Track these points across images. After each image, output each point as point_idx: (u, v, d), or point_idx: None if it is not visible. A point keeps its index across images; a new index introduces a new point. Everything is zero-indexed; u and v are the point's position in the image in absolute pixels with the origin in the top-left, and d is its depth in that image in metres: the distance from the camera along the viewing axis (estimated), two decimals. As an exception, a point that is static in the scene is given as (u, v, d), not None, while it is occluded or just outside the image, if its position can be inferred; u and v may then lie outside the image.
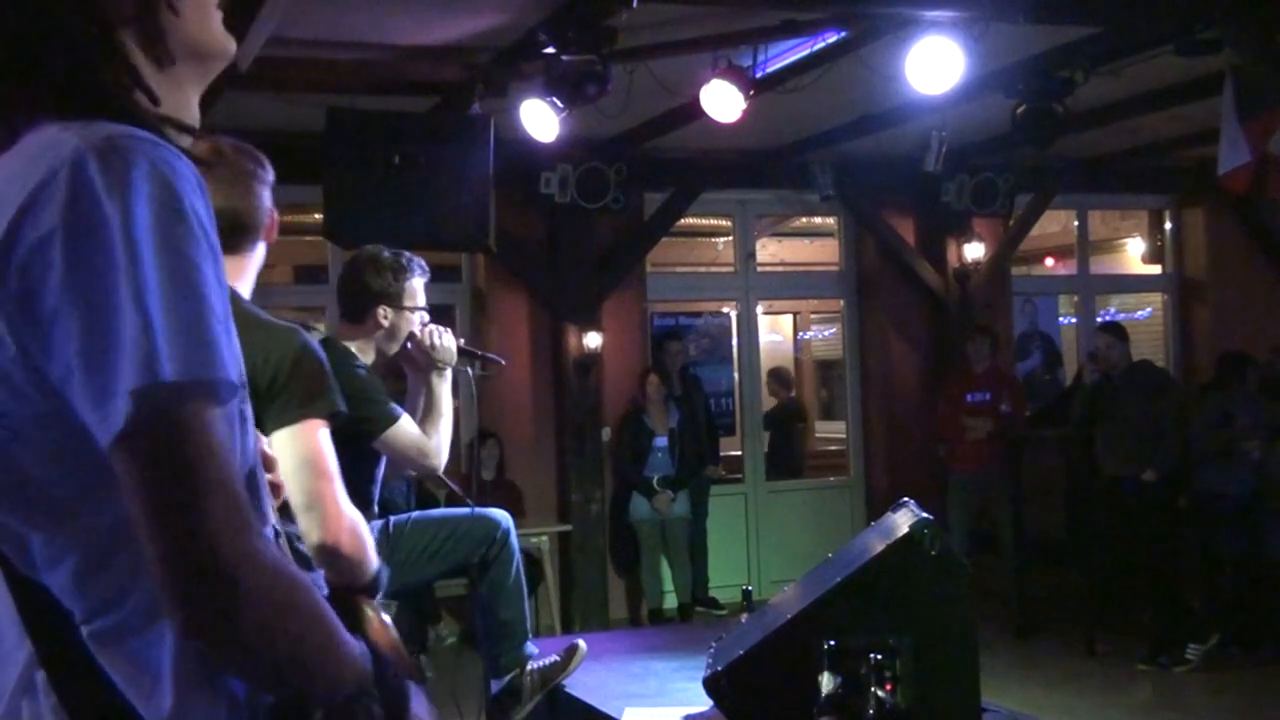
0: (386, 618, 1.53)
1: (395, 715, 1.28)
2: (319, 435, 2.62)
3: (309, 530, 2.57)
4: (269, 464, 1.57)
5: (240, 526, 1.09)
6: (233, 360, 1.13)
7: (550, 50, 5.82)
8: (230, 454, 1.12)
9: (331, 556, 2.55)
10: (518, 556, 3.91)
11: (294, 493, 2.55)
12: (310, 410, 2.58)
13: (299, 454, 2.58)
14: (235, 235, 2.54)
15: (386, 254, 3.74)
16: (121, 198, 1.08)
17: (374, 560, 2.69)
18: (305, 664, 1.16)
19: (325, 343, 3.81)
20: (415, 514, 3.96)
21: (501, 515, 3.84)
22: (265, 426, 2.47)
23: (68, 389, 1.09)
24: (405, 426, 3.55)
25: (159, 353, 1.06)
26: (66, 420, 1.10)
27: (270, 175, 2.55)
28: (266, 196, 2.56)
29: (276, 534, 1.38)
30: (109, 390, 1.06)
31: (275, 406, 2.57)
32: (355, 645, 1.23)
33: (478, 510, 3.85)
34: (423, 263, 3.80)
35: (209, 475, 1.08)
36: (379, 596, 2.71)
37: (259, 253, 2.64)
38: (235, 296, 2.63)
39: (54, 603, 1.15)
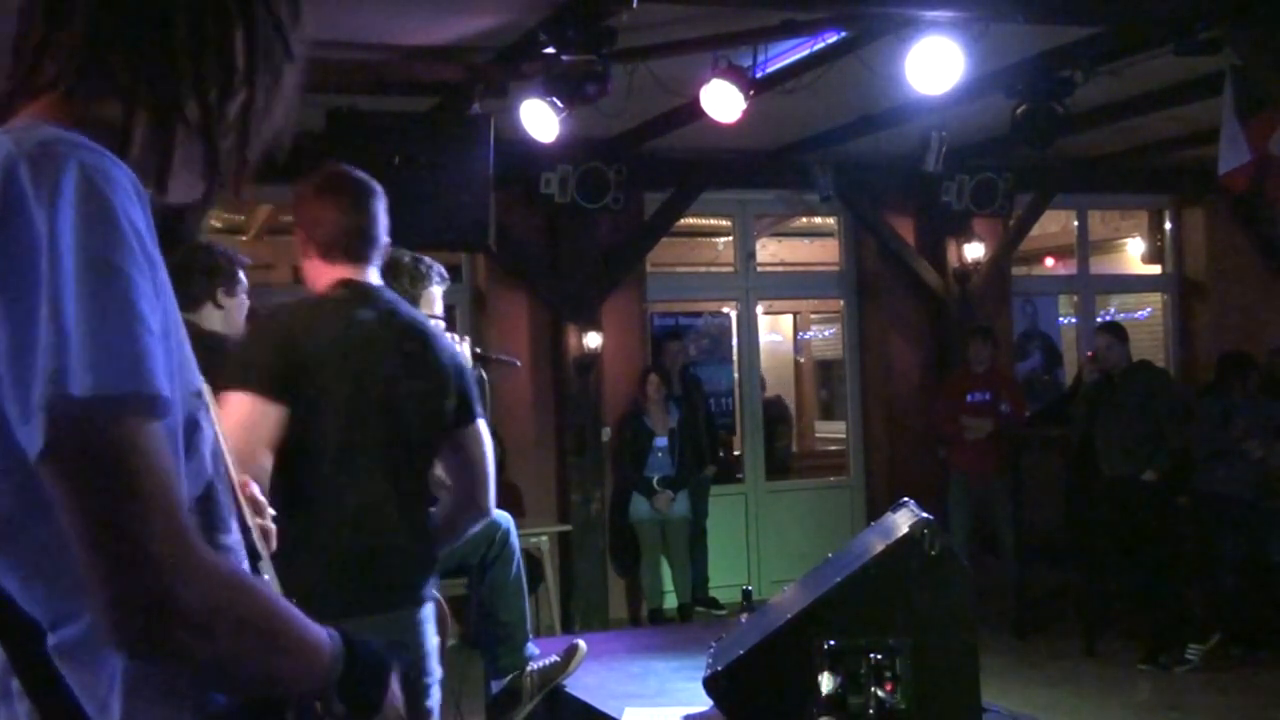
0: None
1: (371, 702, 1.26)
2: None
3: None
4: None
5: (175, 537, 1.06)
6: (166, 372, 1.09)
7: (550, 50, 5.81)
8: (163, 464, 1.08)
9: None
10: (518, 557, 3.89)
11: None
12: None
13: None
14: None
15: (407, 259, 3.60)
16: (50, 205, 1.06)
17: None
18: (257, 669, 1.14)
19: None
20: None
21: (502, 516, 3.82)
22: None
23: (3, 403, 1.07)
24: None
25: (68, 367, 1.03)
26: (5, 435, 1.08)
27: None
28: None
29: (246, 529, 1.37)
30: (29, 405, 1.04)
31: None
32: (321, 640, 1.21)
33: None
34: (442, 270, 3.66)
35: (137, 488, 1.05)
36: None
37: None
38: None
39: (20, 610, 1.14)
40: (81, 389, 1.03)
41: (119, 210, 1.09)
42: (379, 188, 2.96)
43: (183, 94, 1.21)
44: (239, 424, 2.59)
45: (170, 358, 1.12)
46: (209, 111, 1.22)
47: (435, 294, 3.63)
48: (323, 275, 2.89)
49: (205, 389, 2.14)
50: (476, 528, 3.11)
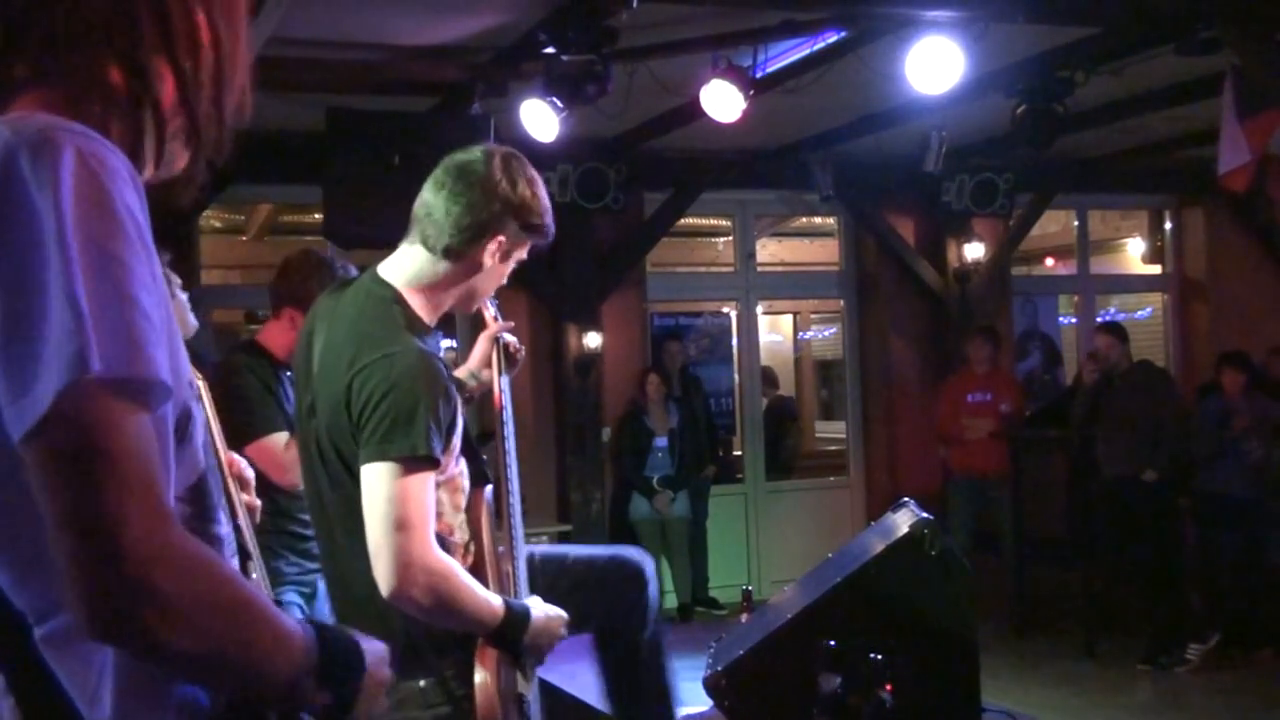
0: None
1: (347, 690, 1.25)
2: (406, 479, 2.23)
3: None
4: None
5: (153, 522, 1.05)
6: (164, 361, 1.10)
7: (550, 50, 5.81)
8: (148, 452, 1.08)
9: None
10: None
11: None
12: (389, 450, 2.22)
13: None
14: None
15: (317, 256, 3.69)
16: (52, 191, 1.06)
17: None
18: (231, 658, 1.13)
19: (248, 346, 3.78)
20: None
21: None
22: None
23: None
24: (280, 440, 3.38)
25: (89, 348, 1.03)
26: None
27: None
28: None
29: (238, 528, 1.37)
30: (28, 383, 1.04)
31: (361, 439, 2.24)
32: (295, 631, 1.19)
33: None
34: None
35: (119, 471, 1.04)
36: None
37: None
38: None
39: (6, 602, 1.13)
40: (99, 370, 1.04)
41: (115, 197, 1.09)
42: None
43: (157, 70, 1.22)
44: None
45: (169, 345, 1.12)
46: (185, 82, 1.23)
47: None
48: None
49: (200, 380, 2.14)
50: None
